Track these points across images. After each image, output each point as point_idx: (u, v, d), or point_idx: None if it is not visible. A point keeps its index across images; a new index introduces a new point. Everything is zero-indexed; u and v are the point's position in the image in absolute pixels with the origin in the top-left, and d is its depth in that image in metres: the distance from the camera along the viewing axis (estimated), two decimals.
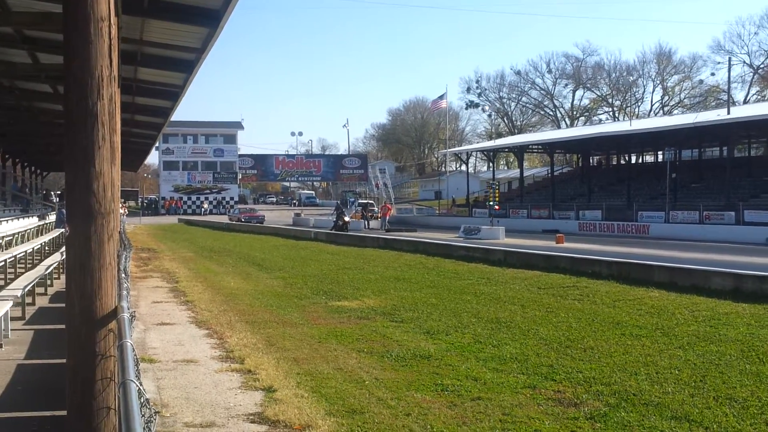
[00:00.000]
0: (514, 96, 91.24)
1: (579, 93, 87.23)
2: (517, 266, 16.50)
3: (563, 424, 5.67)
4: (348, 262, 19.74)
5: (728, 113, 36.83)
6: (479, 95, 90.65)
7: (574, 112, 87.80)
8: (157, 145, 48.10)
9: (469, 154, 67.18)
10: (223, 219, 53.89)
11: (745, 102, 66.37)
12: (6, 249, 15.88)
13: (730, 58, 48.52)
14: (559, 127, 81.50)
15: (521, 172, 52.95)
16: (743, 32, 76.58)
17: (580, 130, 56.99)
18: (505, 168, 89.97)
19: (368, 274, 16.48)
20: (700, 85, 74.96)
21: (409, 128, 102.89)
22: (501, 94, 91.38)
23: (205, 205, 74.73)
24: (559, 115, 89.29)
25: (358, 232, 33.95)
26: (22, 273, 13.24)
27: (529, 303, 11.72)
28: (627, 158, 52.60)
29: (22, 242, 18.76)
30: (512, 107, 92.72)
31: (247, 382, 6.93)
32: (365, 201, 54.09)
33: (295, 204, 79.88)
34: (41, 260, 15.97)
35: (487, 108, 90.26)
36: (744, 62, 70.35)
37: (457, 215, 49.44)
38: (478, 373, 7.24)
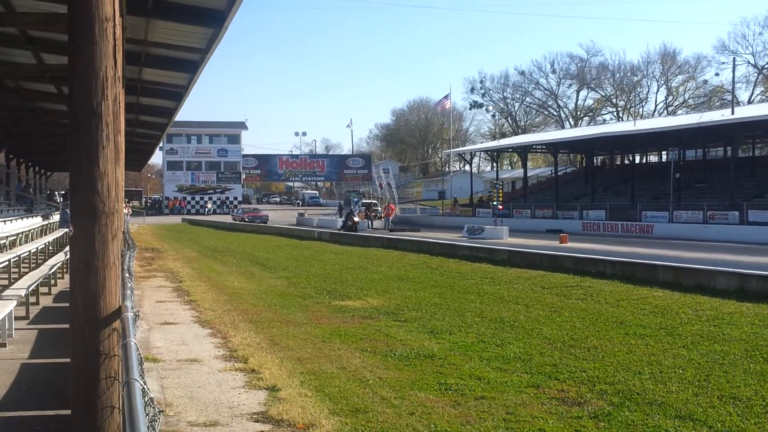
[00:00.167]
0: (518, 96, 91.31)
1: (583, 93, 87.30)
2: (521, 266, 16.50)
3: (567, 423, 5.66)
4: (352, 261, 19.75)
5: (732, 113, 36.81)
6: (483, 95, 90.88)
7: (578, 113, 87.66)
8: (160, 145, 48.30)
9: (472, 154, 67.17)
10: (227, 219, 53.92)
11: (750, 102, 66.29)
12: (10, 249, 15.93)
13: (734, 59, 48.65)
14: (563, 128, 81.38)
15: (525, 172, 53.04)
16: (748, 32, 76.85)
17: (584, 131, 56.86)
18: (509, 168, 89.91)
19: (372, 274, 16.48)
20: (705, 85, 74.69)
21: (412, 128, 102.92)
22: (505, 94, 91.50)
23: (209, 205, 74.78)
24: (563, 115, 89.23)
25: (361, 231, 34.00)
26: (26, 273, 13.30)
27: (532, 302, 11.71)
28: (631, 158, 52.48)
29: (26, 242, 18.82)
30: (516, 107, 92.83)
31: (250, 381, 6.93)
32: (369, 201, 54.12)
33: (298, 204, 79.95)
34: (45, 260, 16.03)
35: (491, 108, 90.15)
36: (748, 62, 70.44)
37: (460, 215, 49.42)
38: (481, 372, 7.23)
